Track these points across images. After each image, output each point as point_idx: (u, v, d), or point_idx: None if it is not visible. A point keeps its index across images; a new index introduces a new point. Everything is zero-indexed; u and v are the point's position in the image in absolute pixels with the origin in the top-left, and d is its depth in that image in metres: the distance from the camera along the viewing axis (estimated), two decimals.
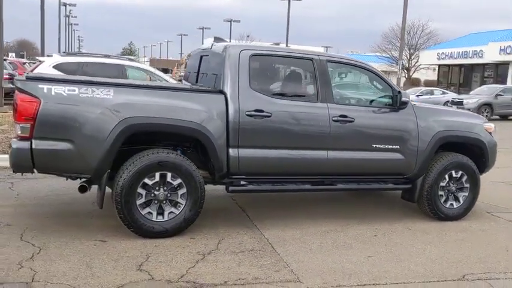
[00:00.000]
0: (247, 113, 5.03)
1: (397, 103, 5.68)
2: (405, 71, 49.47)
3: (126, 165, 4.67)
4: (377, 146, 5.65)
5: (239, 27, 60.37)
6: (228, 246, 4.77)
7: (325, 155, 5.41)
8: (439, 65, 46.03)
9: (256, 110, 5.06)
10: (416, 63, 50.02)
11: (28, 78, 4.51)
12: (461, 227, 5.89)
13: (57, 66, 11.03)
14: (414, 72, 51.16)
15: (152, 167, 4.70)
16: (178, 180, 4.83)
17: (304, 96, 5.43)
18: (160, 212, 4.84)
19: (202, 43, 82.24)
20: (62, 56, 11.72)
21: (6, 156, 7.47)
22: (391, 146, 5.71)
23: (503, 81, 36.65)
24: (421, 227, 5.79)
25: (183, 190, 4.86)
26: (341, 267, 4.45)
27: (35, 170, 4.57)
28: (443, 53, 44.12)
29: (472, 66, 42.62)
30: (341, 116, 5.41)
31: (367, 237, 5.30)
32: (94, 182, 4.77)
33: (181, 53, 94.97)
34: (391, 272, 4.41)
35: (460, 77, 44.17)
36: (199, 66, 5.98)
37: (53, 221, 5.20)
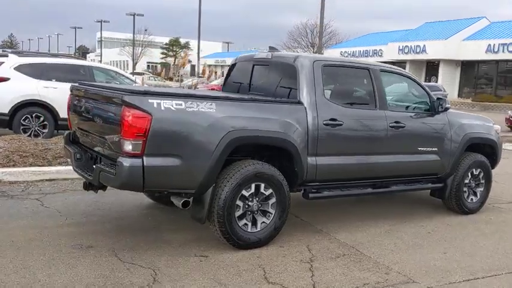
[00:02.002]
0: (324, 122, 5.20)
1: (436, 109, 6.18)
2: None
3: (226, 177, 4.62)
4: (421, 148, 6.13)
5: (136, 21, 58.48)
6: (320, 252, 4.92)
7: (384, 159, 5.76)
8: None
9: (331, 119, 5.26)
10: None
11: (136, 93, 4.29)
12: (484, 219, 6.55)
13: (18, 68, 10.20)
14: None
15: (250, 178, 4.71)
16: (270, 191, 4.89)
17: (367, 104, 5.72)
18: (254, 223, 4.87)
19: (101, 36, 78.89)
20: (20, 56, 10.77)
21: (15, 169, 6.96)
22: (431, 149, 6.21)
23: None
24: (454, 221, 6.36)
25: (273, 200, 4.93)
26: (432, 265, 4.81)
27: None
28: (346, 51, 46.79)
29: None
30: (395, 122, 5.79)
31: (424, 235, 5.72)
32: (194, 197, 4.65)
33: (75, 47, 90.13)
34: (476, 266, 4.86)
35: None
36: (251, 76, 5.99)
37: (134, 238, 4.96)
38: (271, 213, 4.94)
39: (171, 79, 63.45)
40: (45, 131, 10.25)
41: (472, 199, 6.81)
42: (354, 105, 5.61)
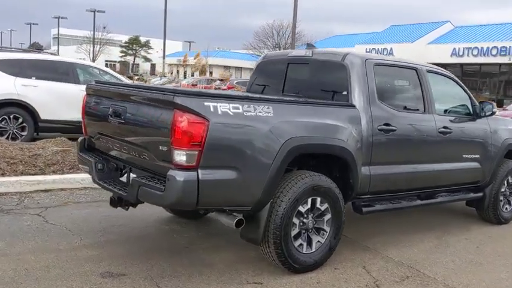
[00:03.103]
0: (378, 127, 4.66)
1: (478, 113, 5.76)
2: None
3: (282, 191, 4.00)
4: (465, 156, 5.69)
5: (92, 17, 56.27)
6: (381, 275, 4.37)
7: (432, 167, 5.28)
8: None
9: (385, 124, 4.73)
10: None
11: (189, 94, 3.60)
12: None
13: None
14: None
15: (307, 192, 4.11)
16: (325, 205, 4.31)
17: (416, 107, 5.21)
18: (309, 243, 4.27)
19: (58, 33, 75.77)
20: None
21: (5, 179, 6.06)
22: (473, 156, 5.79)
23: None
24: (492, 232, 5.97)
25: (329, 216, 4.34)
26: (505, 286, 4.37)
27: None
28: None
29: None
30: (444, 127, 5.32)
31: (474, 250, 5.28)
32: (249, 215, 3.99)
33: (30, 43, 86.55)
34: None
35: None
36: (285, 77, 5.38)
37: (169, 262, 4.26)
38: (326, 231, 4.35)
39: (130, 78, 61.85)
40: (24, 133, 9.25)
41: (506, 208, 6.44)
42: (404, 109, 5.08)
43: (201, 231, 5.15)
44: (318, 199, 4.24)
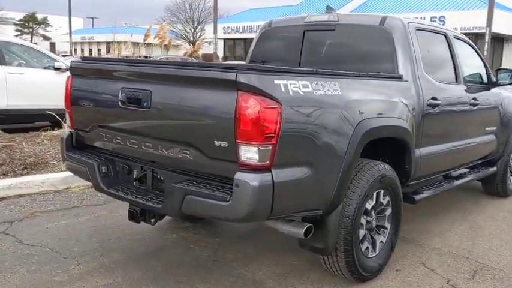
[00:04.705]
0: (428, 102, 4.04)
1: (493, 81, 5.30)
2: (191, 44, 49.76)
3: (350, 187, 3.24)
4: (487, 128, 5.28)
5: None
6: (448, 272, 3.80)
7: (465, 143, 4.80)
8: (225, 39, 47.52)
9: (433, 98, 4.11)
10: (200, 37, 50.69)
11: (254, 70, 2.68)
12: None
13: None
14: (200, 46, 51.82)
15: (374, 185, 3.39)
16: (387, 199, 3.63)
17: (451, 77, 4.63)
18: (373, 244, 3.58)
19: None
20: None
21: None
22: (492, 128, 5.40)
23: None
24: (508, 206, 5.67)
25: (389, 210, 3.68)
26: None
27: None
28: (229, 27, 45.69)
29: None
30: (473, 99, 4.83)
31: (507, 228, 4.91)
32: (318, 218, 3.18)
33: None
34: None
35: (244, 50, 46.48)
36: (301, 46, 4.56)
37: (202, 281, 3.37)
38: (387, 229, 3.68)
39: None
40: None
41: (511, 180, 6.17)
42: (444, 79, 4.48)
43: (217, 236, 4.28)
44: (382, 192, 3.55)
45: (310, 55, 4.52)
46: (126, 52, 47.06)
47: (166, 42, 35.11)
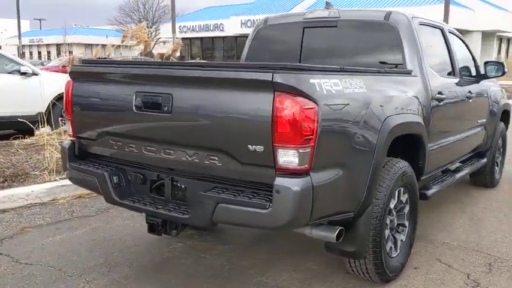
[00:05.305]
0: (435, 96, 4.02)
1: (481, 74, 5.36)
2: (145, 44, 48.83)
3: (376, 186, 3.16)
4: (478, 120, 5.34)
5: None
6: (465, 267, 3.78)
7: (462, 136, 4.83)
8: (181, 38, 46.91)
9: (438, 92, 4.10)
10: (156, 36, 49.80)
11: (289, 69, 2.53)
12: None
13: None
14: (155, 45, 50.95)
15: (397, 183, 3.33)
16: (406, 196, 3.58)
17: (450, 71, 4.64)
18: (394, 244, 3.51)
19: None
20: None
21: None
22: (483, 120, 5.47)
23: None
24: (495, 197, 5.77)
25: (407, 208, 3.62)
26: None
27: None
28: (184, 26, 45.17)
29: (213, 39, 44.95)
30: (469, 91, 4.86)
31: (504, 218, 4.98)
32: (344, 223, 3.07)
33: None
34: None
35: (201, 49, 46.11)
36: (301, 44, 4.45)
37: None
38: (406, 227, 3.63)
39: None
40: None
41: (496, 170, 6.30)
42: (444, 74, 4.49)
43: (227, 243, 4.12)
44: (402, 190, 3.49)
45: (311, 52, 4.42)
46: (80, 55, 45.75)
47: (143, 43, 34.20)
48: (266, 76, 2.46)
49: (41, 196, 5.07)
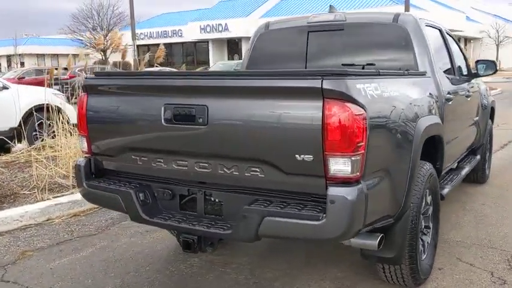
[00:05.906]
0: (446, 97, 4.04)
1: (475, 73, 5.46)
2: (101, 52, 47.80)
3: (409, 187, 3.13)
4: (474, 118, 5.43)
5: None
6: (484, 264, 3.81)
7: (463, 135, 4.90)
8: (138, 45, 46.13)
9: (448, 92, 4.13)
10: (111, 44, 48.78)
11: (336, 74, 2.45)
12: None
13: None
14: (111, 53, 49.93)
15: (426, 185, 3.30)
16: (430, 198, 3.56)
17: (451, 71, 4.69)
18: (422, 246, 3.49)
19: None
20: None
21: None
22: (476, 118, 5.55)
23: (207, 57, 39.63)
24: (490, 192, 5.89)
25: (431, 209, 3.61)
26: None
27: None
28: (142, 33, 44.52)
29: (171, 45, 44.46)
30: (468, 90, 4.94)
31: (506, 213, 5.08)
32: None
33: None
34: None
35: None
36: (306, 48, 4.38)
37: None
38: (430, 228, 3.62)
39: None
40: None
41: (486, 165, 6.43)
42: (450, 74, 4.54)
43: (244, 255, 3.99)
44: (427, 192, 3.47)
45: (318, 56, 4.36)
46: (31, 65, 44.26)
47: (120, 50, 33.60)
48: (315, 83, 2.38)
49: (35, 217, 4.79)
